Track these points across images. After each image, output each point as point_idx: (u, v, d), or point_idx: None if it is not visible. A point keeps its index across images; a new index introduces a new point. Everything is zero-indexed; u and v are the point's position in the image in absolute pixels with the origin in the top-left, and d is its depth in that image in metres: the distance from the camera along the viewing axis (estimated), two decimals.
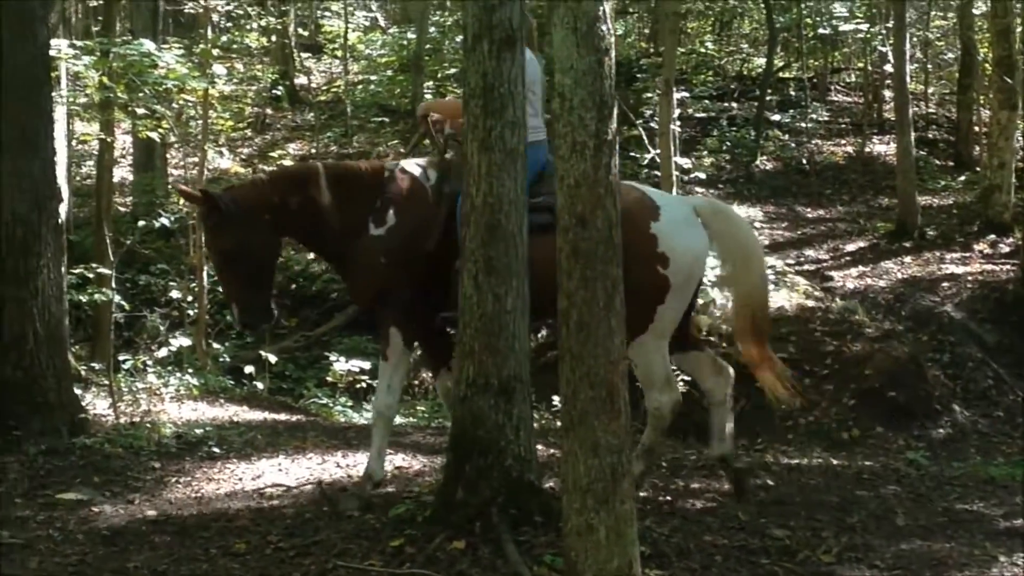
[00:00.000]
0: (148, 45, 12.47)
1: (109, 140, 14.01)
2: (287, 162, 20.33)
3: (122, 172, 20.12)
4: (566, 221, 5.02)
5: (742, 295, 8.04)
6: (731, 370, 8.01)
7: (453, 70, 22.15)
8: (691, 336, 8.21)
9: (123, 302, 12.96)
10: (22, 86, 9.05)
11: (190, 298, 14.51)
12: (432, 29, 22.09)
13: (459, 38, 21.49)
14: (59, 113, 13.28)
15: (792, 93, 23.12)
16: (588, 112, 4.91)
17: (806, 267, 16.67)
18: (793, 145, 21.33)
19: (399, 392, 7.89)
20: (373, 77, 24.63)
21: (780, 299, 14.09)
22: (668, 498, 7.78)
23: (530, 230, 7.42)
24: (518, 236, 6.54)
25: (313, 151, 22.37)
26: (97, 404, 10.54)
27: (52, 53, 10.23)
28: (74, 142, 18.36)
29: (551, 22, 5.18)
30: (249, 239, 7.55)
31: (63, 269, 9.43)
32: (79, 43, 13.26)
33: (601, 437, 4.91)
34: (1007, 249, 17.06)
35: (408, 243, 7.59)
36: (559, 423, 11.21)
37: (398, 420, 12.10)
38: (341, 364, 13.34)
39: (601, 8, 4.93)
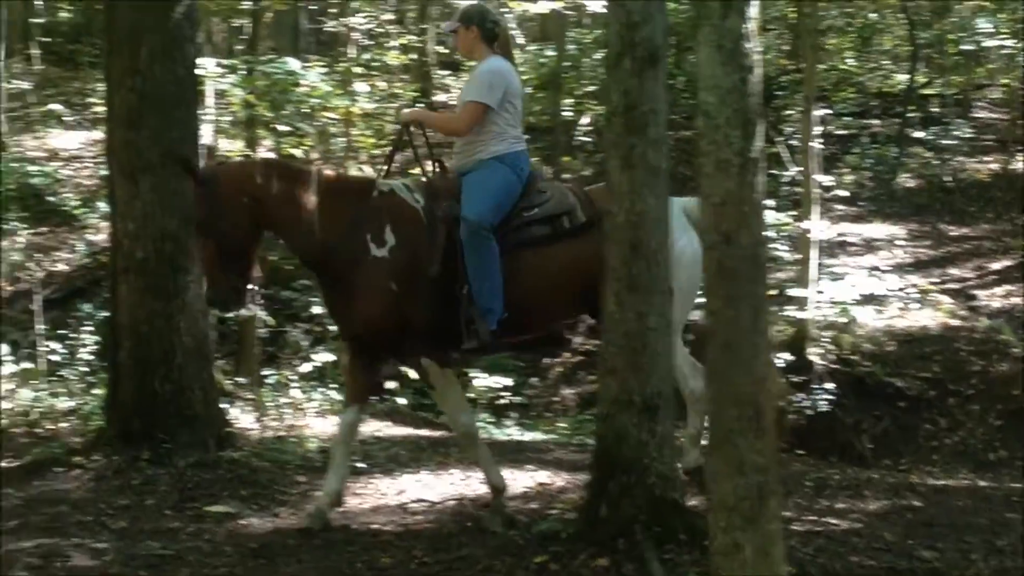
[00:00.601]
0: (292, 63, 12.66)
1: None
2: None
3: None
4: (711, 239, 5.00)
5: None
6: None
7: (592, 87, 22.10)
8: None
9: (267, 317, 13.13)
10: (169, 105, 9.24)
11: None
12: (571, 46, 22.05)
13: (599, 55, 21.51)
14: (205, 130, 13.51)
15: (935, 110, 22.76)
16: (733, 130, 4.90)
17: (950, 286, 16.41)
18: (936, 162, 21.00)
19: (465, 405, 8.07)
20: None
21: (924, 318, 13.94)
22: (813, 517, 7.71)
23: (527, 243, 7.54)
24: (660, 254, 6.53)
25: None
26: (242, 418, 10.72)
27: (199, 72, 10.41)
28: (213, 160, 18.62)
29: (696, 40, 5.19)
30: (223, 215, 7.48)
31: None
32: (225, 62, 13.47)
33: (747, 456, 4.89)
34: None
35: (414, 266, 7.61)
36: (704, 441, 11.25)
37: (539, 436, 12.15)
38: (482, 380, 13.38)
39: (746, 26, 4.92)
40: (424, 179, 8.11)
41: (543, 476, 8.89)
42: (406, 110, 9.11)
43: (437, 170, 8.19)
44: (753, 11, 4.95)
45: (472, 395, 13.11)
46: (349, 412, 7.81)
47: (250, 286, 8.19)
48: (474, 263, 7.49)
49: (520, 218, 7.74)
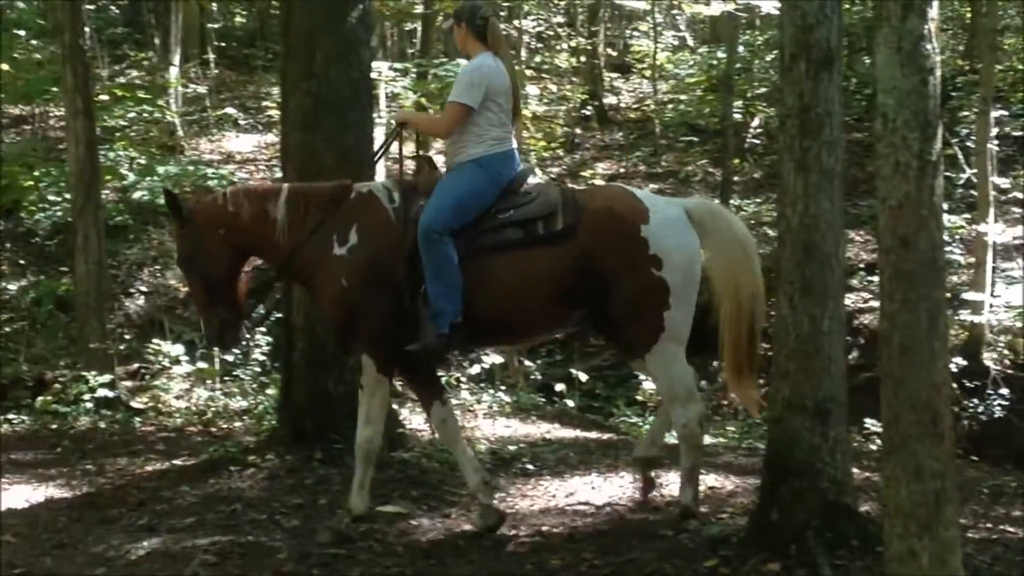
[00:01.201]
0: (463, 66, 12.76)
1: (428, 156, 14.31)
2: (597, 181, 20.48)
3: None
4: (888, 242, 4.94)
5: (743, 297, 7.64)
6: None
7: (763, 89, 22.00)
8: None
9: None
10: (344, 107, 9.36)
11: None
12: (741, 48, 21.94)
13: (770, 57, 21.36)
14: (377, 133, 13.68)
15: None
16: (912, 132, 4.83)
17: None
18: None
19: (380, 423, 7.85)
20: (682, 97, 24.62)
21: None
22: (989, 525, 7.57)
23: (497, 247, 7.43)
24: (834, 257, 6.46)
25: (622, 170, 22.47)
26: (413, 419, 10.81)
27: (372, 76, 10.53)
28: (388, 162, 18.78)
29: (872, 41, 5.13)
30: (201, 250, 7.78)
31: None
32: (398, 65, 13.63)
33: (924, 462, 4.82)
34: None
35: (372, 266, 7.62)
36: (873, 446, 11.11)
37: (708, 440, 12.07)
38: (650, 384, 13.35)
39: (926, 27, 4.85)
40: (409, 179, 8.10)
41: (712, 480, 8.84)
42: (397, 111, 9.13)
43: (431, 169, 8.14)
44: (933, 12, 4.88)
45: (640, 398, 13.09)
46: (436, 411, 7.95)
47: (243, 320, 8.35)
48: (428, 265, 7.45)
49: (492, 220, 7.64)
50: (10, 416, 11.51)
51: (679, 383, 7.54)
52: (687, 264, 7.53)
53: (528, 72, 16.36)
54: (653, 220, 7.54)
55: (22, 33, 15.60)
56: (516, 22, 16.16)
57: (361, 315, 7.63)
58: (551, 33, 22.15)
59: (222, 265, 7.85)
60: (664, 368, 7.53)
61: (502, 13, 22.56)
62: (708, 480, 8.75)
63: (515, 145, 8.03)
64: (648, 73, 25.90)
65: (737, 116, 20.69)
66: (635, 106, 26.24)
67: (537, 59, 20.52)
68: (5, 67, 12.98)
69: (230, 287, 7.90)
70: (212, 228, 7.81)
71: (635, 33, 28.88)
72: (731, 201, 18.81)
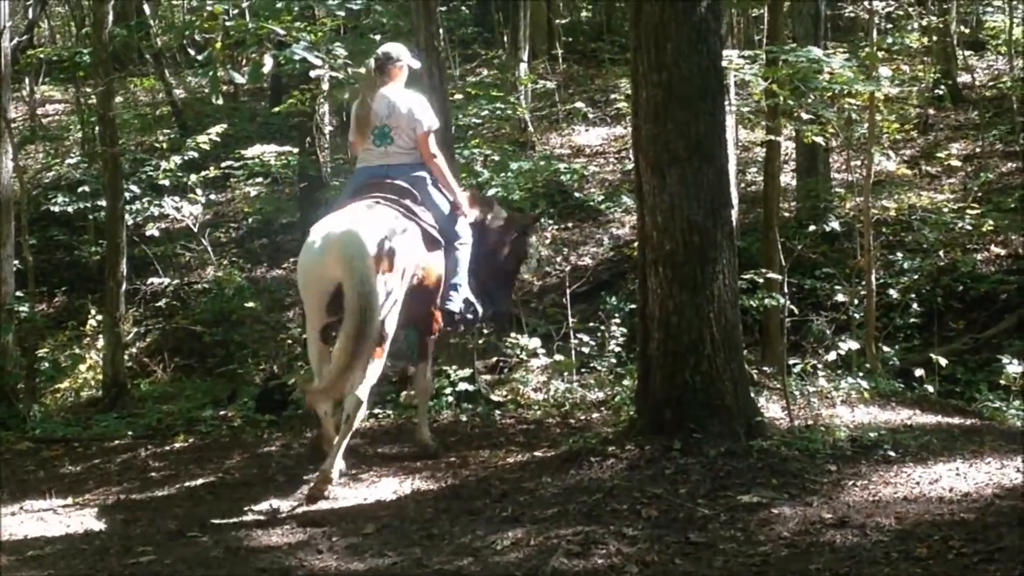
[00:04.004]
0: (815, 51, 12.60)
1: (777, 143, 14.21)
2: (954, 163, 19.97)
3: (785, 178, 20.26)
4: None
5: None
6: None
7: None
8: None
9: (792, 306, 13.12)
10: (694, 96, 9.36)
11: (855, 301, 14.48)
12: None
13: None
14: (728, 121, 13.64)
15: None
16: None
17: None
18: None
19: None
20: None
21: None
22: None
23: None
24: None
25: (977, 150, 21.83)
26: (770, 407, 10.74)
27: (723, 64, 10.50)
28: (737, 149, 18.69)
29: None
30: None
31: (735, 275, 9.69)
32: (747, 53, 13.55)
33: None
34: None
35: None
36: None
37: None
38: (1014, 367, 12.95)
39: None
40: None
41: None
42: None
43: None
44: None
45: (1003, 381, 12.66)
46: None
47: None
48: None
49: None
50: (375, 411, 11.89)
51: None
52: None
53: (879, 54, 15.93)
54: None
55: (378, 37, 16.08)
56: (865, 3, 15.80)
57: None
58: (901, 12, 21.60)
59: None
60: None
61: None
62: None
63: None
64: (1004, 49, 25.10)
65: None
66: (991, 83, 25.46)
67: (888, 40, 20.01)
68: (363, 71, 13.42)
69: None
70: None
71: (989, 8, 28.00)
72: None
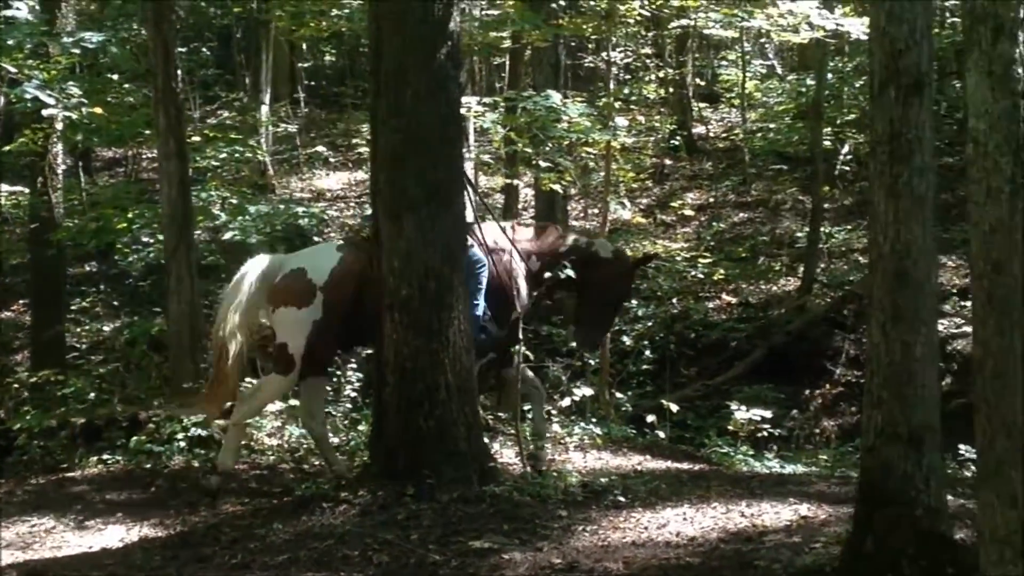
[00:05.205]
0: (554, 97, 12.78)
1: (515, 185, 14.35)
2: (688, 212, 20.49)
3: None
4: (981, 268, 4.91)
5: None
6: None
7: (853, 116, 21.84)
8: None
9: (527, 352, 13.21)
10: (433, 142, 9.39)
11: None
12: (830, 75, 21.78)
13: (859, 83, 21.22)
14: (467, 168, 13.74)
15: None
16: (1003, 157, 4.81)
17: None
18: None
19: None
20: (772, 125, 24.51)
21: None
22: None
23: None
24: (926, 284, 6.42)
25: (711, 200, 22.43)
26: (504, 453, 10.81)
27: (462, 110, 10.57)
28: (476, 196, 18.75)
29: (964, 66, 5.11)
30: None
31: (471, 321, 9.73)
32: (487, 100, 13.67)
33: (1019, 488, 4.78)
34: None
35: None
36: (967, 473, 10.97)
37: (800, 468, 11.99)
38: (742, 413, 13.27)
39: (1017, 51, 4.82)
40: None
41: (805, 509, 8.76)
42: None
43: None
44: None
45: (732, 427, 12.99)
46: None
47: None
48: None
49: None
50: (104, 456, 11.62)
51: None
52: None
53: (616, 104, 16.29)
54: None
55: (115, 77, 15.77)
56: (604, 54, 16.15)
57: None
58: (639, 64, 22.11)
59: None
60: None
61: (590, 45, 22.65)
62: (801, 509, 8.69)
63: None
64: (737, 102, 25.86)
65: (827, 143, 20.55)
66: (724, 135, 26.21)
67: (626, 90, 20.49)
68: (98, 110, 13.10)
69: None
70: None
71: (723, 62, 28.85)
72: (822, 229, 18.72)
